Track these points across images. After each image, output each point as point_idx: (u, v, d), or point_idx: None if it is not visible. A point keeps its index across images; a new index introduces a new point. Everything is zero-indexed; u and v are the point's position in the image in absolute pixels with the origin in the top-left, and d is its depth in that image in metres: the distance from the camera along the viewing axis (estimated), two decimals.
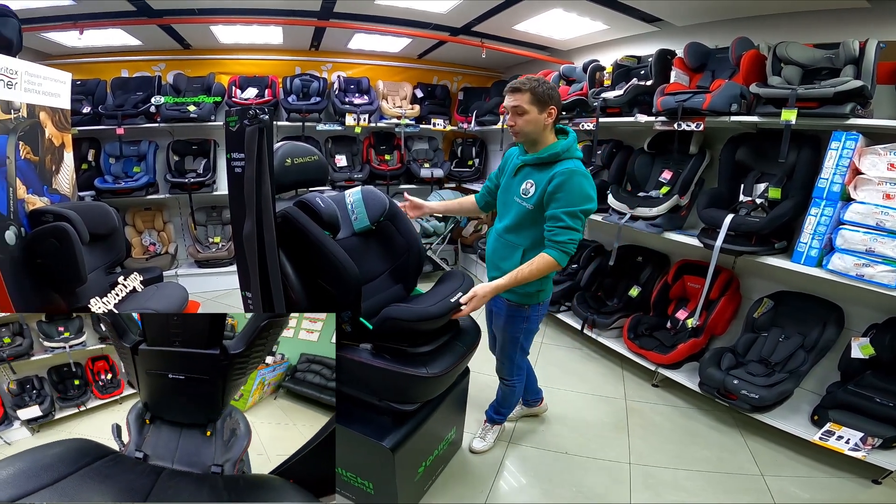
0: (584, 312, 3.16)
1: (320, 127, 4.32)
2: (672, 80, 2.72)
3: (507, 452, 2.21)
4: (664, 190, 2.93)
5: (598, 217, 3.20)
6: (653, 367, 2.77)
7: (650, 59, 2.88)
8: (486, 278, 3.69)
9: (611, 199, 3.03)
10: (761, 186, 2.47)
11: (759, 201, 2.43)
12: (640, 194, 3.04)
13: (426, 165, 4.95)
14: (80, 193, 3.95)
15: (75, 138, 4.06)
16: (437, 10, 3.32)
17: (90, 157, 4.20)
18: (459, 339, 1.64)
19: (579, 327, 3.22)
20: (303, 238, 1.46)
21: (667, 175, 2.99)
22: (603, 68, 3.16)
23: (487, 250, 1.88)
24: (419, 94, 4.81)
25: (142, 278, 2.53)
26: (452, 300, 1.52)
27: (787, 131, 2.16)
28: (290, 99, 4.23)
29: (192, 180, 4.09)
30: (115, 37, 3.78)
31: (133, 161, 4.28)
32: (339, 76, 4.55)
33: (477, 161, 5.24)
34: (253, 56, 4.45)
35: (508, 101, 1.61)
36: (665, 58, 2.84)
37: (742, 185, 2.55)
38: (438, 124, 4.78)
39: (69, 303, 2.15)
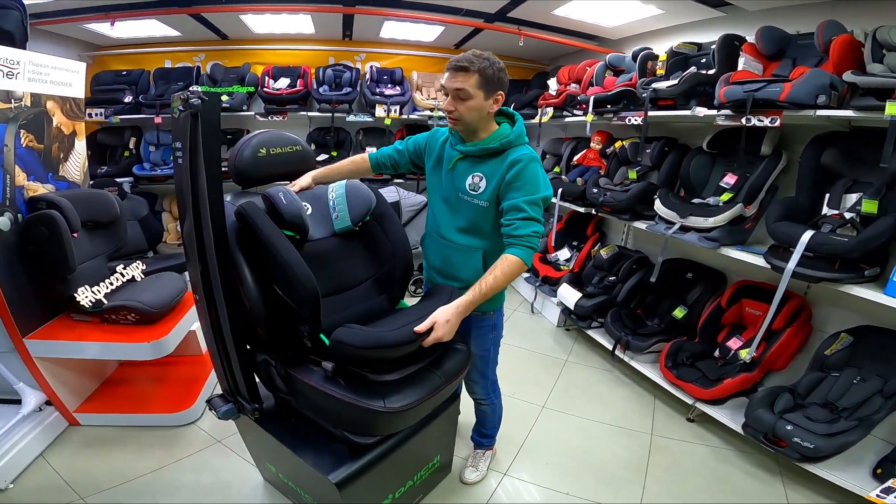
0: (617, 332, 2.78)
1: (350, 118, 4.17)
2: (740, 68, 2.27)
3: (499, 485, 1.95)
4: (725, 197, 2.48)
5: (641, 225, 2.81)
6: (690, 401, 2.38)
7: (713, 47, 2.44)
8: (517, 286, 3.28)
9: (658, 206, 2.63)
10: (853, 197, 1.99)
11: (848, 216, 1.96)
12: (695, 201, 2.61)
13: None
14: (119, 180, 4.06)
15: (118, 126, 4.22)
16: None
17: (131, 145, 4.31)
18: (438, 367, 1.36)
19: (611, 348, 2.85)
20: (256, 239, 1.24)
21: (730, 179, 2.54)
22: (655, 56, 2.75)
23: (431, 260, 1.63)
24: None
25: (144, 267, 2.46)
26: (417, 327, 1.24)
27: (892, 129, 1.69)
28: (321, 89, 4.10)
29: (225, 169, 4.07)
30: (156, 28, 3.81)
31: (171, 149, 4.34)
32: (371, 66, 4.37)
33: None
34: (287, 46, 4.37)
35: (450, 81, 1.35)
36: (732, 43, 2.40)
37: (827, 196, 2.07)
38: None
39: (61, 289, 2.09)
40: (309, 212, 1.46)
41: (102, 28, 3.60)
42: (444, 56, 4.65)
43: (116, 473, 1.91)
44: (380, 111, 4.06)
